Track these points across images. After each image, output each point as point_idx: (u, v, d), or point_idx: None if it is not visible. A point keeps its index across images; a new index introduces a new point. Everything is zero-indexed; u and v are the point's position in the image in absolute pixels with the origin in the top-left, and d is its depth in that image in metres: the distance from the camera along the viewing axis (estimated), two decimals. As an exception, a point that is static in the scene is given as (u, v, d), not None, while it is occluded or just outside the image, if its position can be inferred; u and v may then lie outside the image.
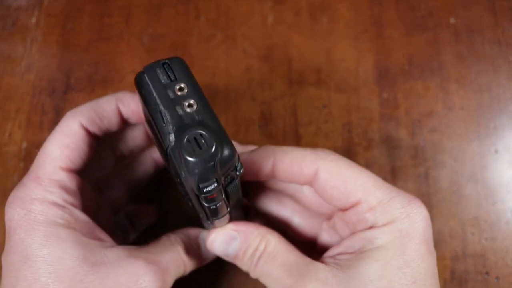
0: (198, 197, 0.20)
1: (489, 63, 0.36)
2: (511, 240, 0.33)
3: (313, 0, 0.39)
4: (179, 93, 0.19)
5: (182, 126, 0.18)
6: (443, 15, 0.38)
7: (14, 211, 0.22)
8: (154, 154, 0.32)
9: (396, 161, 0.35)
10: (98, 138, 0.26)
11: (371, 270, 0.22)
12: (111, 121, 0.26)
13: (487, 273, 0.32)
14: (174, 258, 0.25)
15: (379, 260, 0.22)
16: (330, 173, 0.24)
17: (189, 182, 0.18)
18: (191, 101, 0.19)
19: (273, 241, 0.24)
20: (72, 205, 0.23)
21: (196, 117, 0.19)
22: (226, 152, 0.18)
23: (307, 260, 0.23)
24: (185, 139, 0.17)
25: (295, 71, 0.37)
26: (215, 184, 0.18)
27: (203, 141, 0.17)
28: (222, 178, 0.19)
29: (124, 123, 0.27)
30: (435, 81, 0.36)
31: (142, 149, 0.31)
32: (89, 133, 0.25)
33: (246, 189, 0.29)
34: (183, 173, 0.18)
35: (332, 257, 0.24)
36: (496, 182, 0.34)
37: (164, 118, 0.19)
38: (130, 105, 0.26)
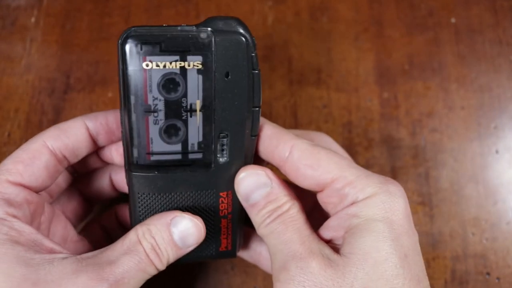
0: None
1: (490, 63, 0.36)
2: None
3: (313, 0, 0.39)
4: None
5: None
6: (444, 14, 0.38)
7: None
8: (112, 172, 0.30)
9: (397, 161, 0.35)
10: (65, 160, 0.26)
11: (366, 242, 0.21)
12: (77, 137, 0.25)
13: (488, 273, 0.32)
14: (133, 262, 0.23)
15: (372, 231, 0.22)
16: (303, 152, 0.24)
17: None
18: None
19: (296, 208, 0.24)
20: (15, 217, 0.23)
21: None
22: None
23: (316, 237, 0.24)
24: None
25: (295, 71, 0.37)
26: None
27: None
28: None
29: (94, 144, 0.26)
30: (436, 81, 0.36)
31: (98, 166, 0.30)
32: (51, 152, 0.25)
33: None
34: None
35: (327, 242, 0.24)
36: (497, 182, 0.34)
37: None
38: (98, 118, 0.26)
